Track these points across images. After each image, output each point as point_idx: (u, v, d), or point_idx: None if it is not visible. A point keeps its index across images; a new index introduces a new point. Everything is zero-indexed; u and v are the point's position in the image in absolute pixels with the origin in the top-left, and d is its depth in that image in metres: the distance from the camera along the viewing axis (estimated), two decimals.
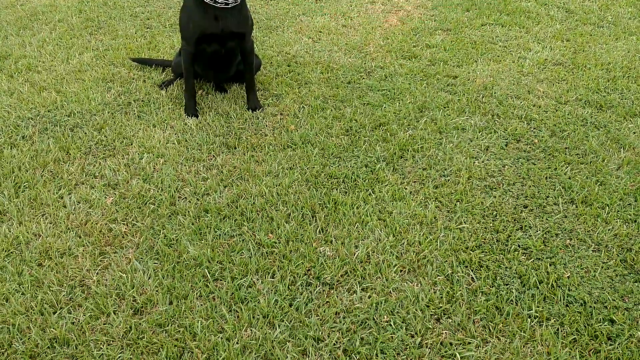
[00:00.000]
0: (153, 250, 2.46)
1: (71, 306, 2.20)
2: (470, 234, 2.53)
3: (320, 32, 4.66)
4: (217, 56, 3.42)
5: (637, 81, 3.80)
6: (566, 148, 3.12)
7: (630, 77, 3.86)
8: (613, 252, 2.44)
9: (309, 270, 2.35)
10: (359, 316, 2.15)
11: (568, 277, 2.31)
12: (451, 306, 2.19)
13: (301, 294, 2.24)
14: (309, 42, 4.49)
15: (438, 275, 2.32)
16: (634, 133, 3.24)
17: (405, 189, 2.81)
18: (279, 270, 2.34)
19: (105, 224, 2.60)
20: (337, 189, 2.81)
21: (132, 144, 3.17)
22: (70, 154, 3.08)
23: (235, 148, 3.14)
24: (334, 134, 3.24)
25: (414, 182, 2.87)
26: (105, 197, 2.76)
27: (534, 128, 3.30)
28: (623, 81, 3.80)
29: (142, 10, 5.18)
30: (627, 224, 2.59)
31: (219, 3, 3.14)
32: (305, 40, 4.52)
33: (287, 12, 5.10)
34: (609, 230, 2.55)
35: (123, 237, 2.53)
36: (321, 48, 4.36)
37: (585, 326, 2.11)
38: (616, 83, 3.78)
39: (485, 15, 4.93)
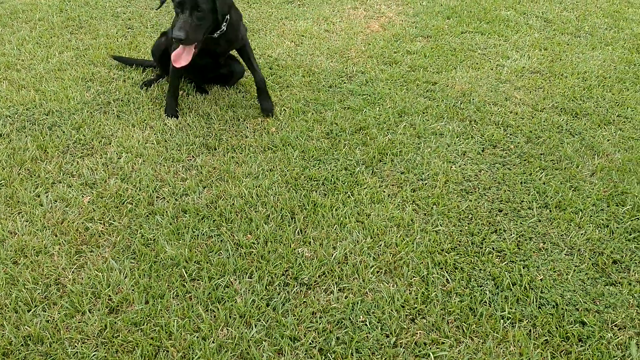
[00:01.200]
0: (130, 250, 2.45)
1: (46, 304, 2.18)
2: (445, 236, 2.57)
3: (303, 36, 4.69)
4: (207, 64, 3.45)
5: (612, 90, 3.89)
6: (541, 154, 3.17)
7: (605, 86, 3.95)
8: (585, 255, 2.49)
9: (286, 270, 2.36)
10: (335, 316, 2.17)
11: (541, 279, 2.35)
12: (426, 307, 2.22)
13: (278, 294, 2.25)
14: (291, 45, 4.51)
15: (413, 277, 2.35)
16: (608, 140, 3.32)
17: (384, 192, 2.84)
18: (256, 271, 2.35)
19: (82, 223, 2.58)
20: (316, 191, 2.82)
21: (110, 144, 3.15)
22: (47, 153, 3.06)
23: (215, 149, 3.14)
24: (315, 137, 3.26)
25: (392, 185, 2.90)
26: (82, 196, 2.75)
27: (511, 134, 3.36)
28: (598, 90, 3.88)
29: (123, 10, 5.16)
30: (599, 228, 2.65)
31: None
32: (288, 43, 4.54)
33: (269, 16, 5.12)
34: (581, 234, 2.60)
35: (99, 236, 2.52)
36: (303, 52, 4.38)
37: (557, 328, 2.15)
38: (591, 92, 3.86)
39: (465, 23, 5.00)
